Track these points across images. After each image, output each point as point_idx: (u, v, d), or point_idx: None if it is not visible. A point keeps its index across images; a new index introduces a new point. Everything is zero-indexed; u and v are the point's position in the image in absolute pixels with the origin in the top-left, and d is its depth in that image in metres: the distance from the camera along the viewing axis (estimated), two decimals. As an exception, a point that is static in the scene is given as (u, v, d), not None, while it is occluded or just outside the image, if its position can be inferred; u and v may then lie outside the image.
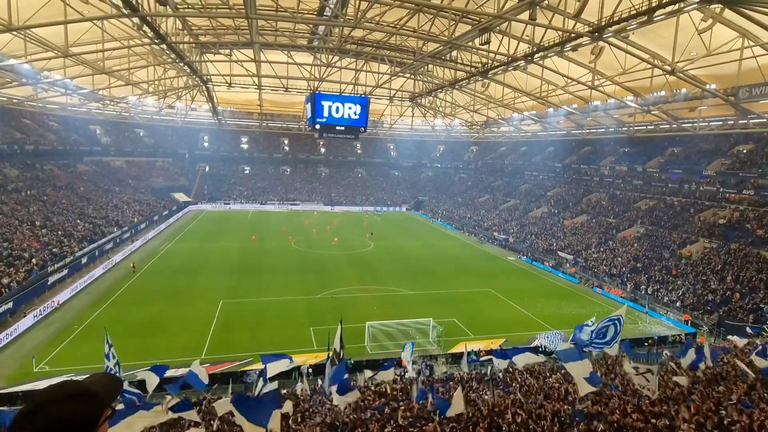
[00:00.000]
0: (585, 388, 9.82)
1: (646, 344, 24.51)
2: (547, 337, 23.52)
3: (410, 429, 8.96)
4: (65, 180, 50.94)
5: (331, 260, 41.13)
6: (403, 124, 76.16)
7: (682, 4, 21.02)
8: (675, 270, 34.49)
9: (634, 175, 52.09)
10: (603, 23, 23.79)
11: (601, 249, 42.36)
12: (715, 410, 8.49)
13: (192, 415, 8.46)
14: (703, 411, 8.49)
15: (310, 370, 19.00)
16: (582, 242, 45.15)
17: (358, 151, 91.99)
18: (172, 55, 37.19)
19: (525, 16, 25.32)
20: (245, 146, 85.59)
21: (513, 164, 77.74)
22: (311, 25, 39.69)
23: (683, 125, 42.39)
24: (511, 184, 72.92)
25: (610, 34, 25.31)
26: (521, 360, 14.47)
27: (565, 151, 66.55)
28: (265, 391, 11.45)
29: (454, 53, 39.92)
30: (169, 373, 14.58)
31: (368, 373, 16.31)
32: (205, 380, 12.01)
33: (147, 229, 49.85)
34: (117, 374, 11.83)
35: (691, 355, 12.56)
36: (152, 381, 11.38)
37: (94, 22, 28.64)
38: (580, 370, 10.11)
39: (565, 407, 9.82)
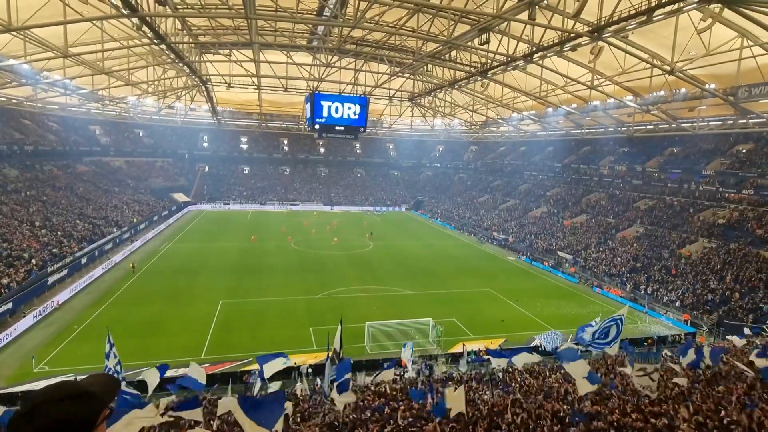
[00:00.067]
0: (584, 388, 9.83)
1: (645, 344, 24.52)
2: (546, 337, 23.52)
3: (410, 429, 8.96)
4: (65, 180, 50.91)
5: (331, 260, 41.13)
6: (402, 124, 76.17)
7: (681, 4, 21.03)
8: (674, 270, 34.51)
9: (634, 174, 52.11)
10: (602, 23, 23.80)
11: (601, 249, 42.39)
12: (715, 410, 8.49)
13: (197, 413, 8.44)
14: (703, 411, 8.50)
15: (310, 370, 19.00)
16: (581, 242, 45.17)
17: (358, 151, 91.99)
18: (172, 56, 37.16)
19: (524, 16, 25.33)
20: (245, 146, 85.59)
21: (512, 164, 77.75)
22: (310, 25, 39.70)
23: (682, 125, 42.42)
24: (510, 184, 72.94)
25: (609, 34, 25.33)
26: (519, 360, 14.49)
27: (565, 150, 66.58)
28: (269, 391, 11.44)
29: (453, 53, 39.93)
30: (169, 373, 14.59)
31: (368, 378, 16.32)
32: (203, 381, 12.00)
33: (146, 230, 49.83)
34: (118, 374, 11.85)
35: (691, 354, 12.57)
36: (153, 380, 11.39)
37: (94, 22, 28.63)
38: (578, 369, 10.13)
39: (565, 407, 9.82)
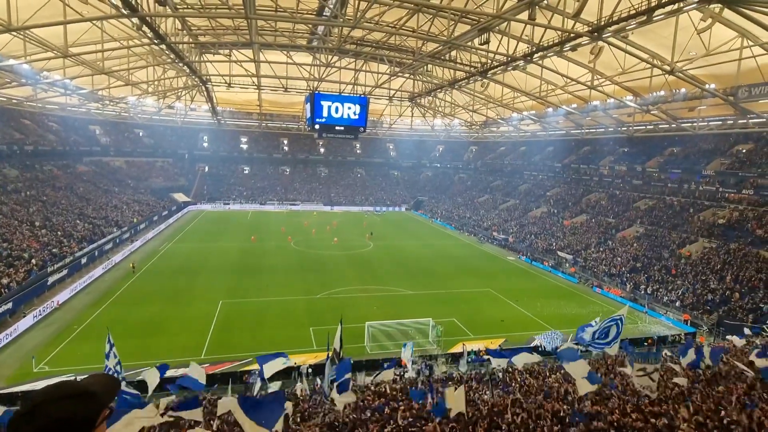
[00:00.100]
0: (584, 388, 9.83)
1: (645, 344, 24.53)
2: (545, 338, 23.54)
3: (410, 429, 8.96)
4: (65, 180, 50.91)
5: (331, 260, 41.13)
6: (402, 124, 76.16)
7: (681, 4, 21.03)
8: (674, 270, 34.51)
9: (634, 174, 52.11)
10: (602, 23, 23.80)
11: (601, 249, 42.39)
12: (715, 410, 8.49)
13: (197, 413, 8.44)
14: (703, 411, 8.50)
15: (310, 370, 19.00)
16: (581, 242, 45.18)
17: (358, 151, 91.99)
18: (172, 56, 37.16)
19: (524, 16, 25.33)
20: (245, 146, 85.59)
21: (512, 164, 77.75)
22: (310, 25, 39.70)
23: (682, 125, 42.42)
24: (510, 184, 72.94)
25: (609, 34, 25.33)
26: (519, 360, 14.51)
27: (565, 150, 66.58)
28: (270, 391, 11.44)
29: (453, 53, 39.93)
30: (169, 373, 14.59)
31: (369, 378, 16.31)
32: (203, 381, 12.01)
33: (146, 230, 49.83)
34: (118, 374, 11.85)
35: (691, 354, 12.57)
36: (153, 380, 11.38)
37: (94, 22, 28.63)
38: (578, 369, 10.14)
39: (565, 407, 9.82)
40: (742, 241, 34.59)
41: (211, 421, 10.37)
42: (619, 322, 12.63)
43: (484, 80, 42.50)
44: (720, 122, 40.61)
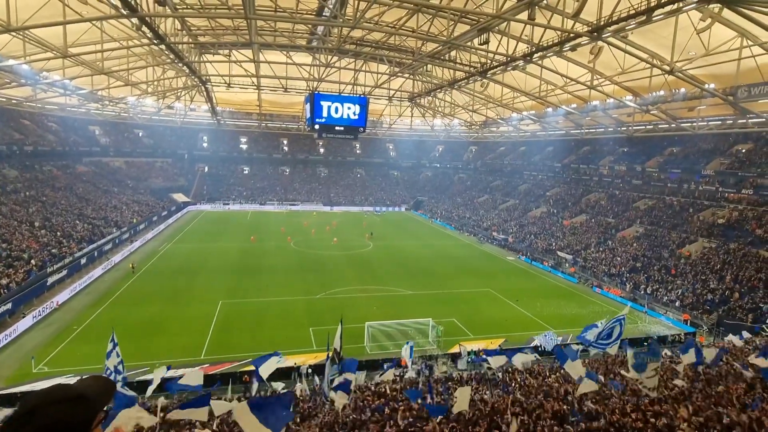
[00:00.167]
0: (583, 388, 9.84)
1: (645, 344, 24.51)
2: (542, 339, 23.64)
3: (410, 429, 8.96)
4: (64, 181, 50.88)
5: (331, 260, 41.12)
6: (402, 124, 76.15)
7: (680, 4, 21.02)
8: (674, 270, 34.52)
9: (633, 174, 52.13)
10: (602, 23, 23.79)
11: (601, 249, 42.39)
12: (715, 410, 8.49)
13: (202, 413, 8.44)
14: (703, 411, 8.50)
15: (310, 371, 18.98)
16: (581, 242, 45.18)
17: (358, 152, 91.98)
18: (171, 56, 37.13)
19: (524, 16, 25.31)
20: (244, 146, 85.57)
21: (512, 164, 77.76)
22: (310, 26, 39.67)
23: (682, 125, 42.42)
24: (510, 184, 72.94)
25: (608, 34, 25.32)
26: (516, 359, 14.53)
27: (564, 150, 66.59)
28: (269, 392, 11.47)
29: (453, 53, 39.91)
30: (169, 373, 14.59)
31: (370, 378, 16.31)
32: (200, 382, 12.12)
33: (146, 230, 49.81)
34: (120, 374, 11.89)
35: (692, 354, 12.58)
36: (156, 379, 11.50)
37: (93, 22, 28.60)
38: (577, 369, 10.16)
39: (565, 407, 9.81)
40: (741, 240, 34.60)
41: (211, 422, 10.35)
42: (622, 321, 12.73)
43: (484, 80, 42.48)
44: (719, 122, 40.63)
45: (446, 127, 78.51)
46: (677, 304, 30.30)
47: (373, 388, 14.37)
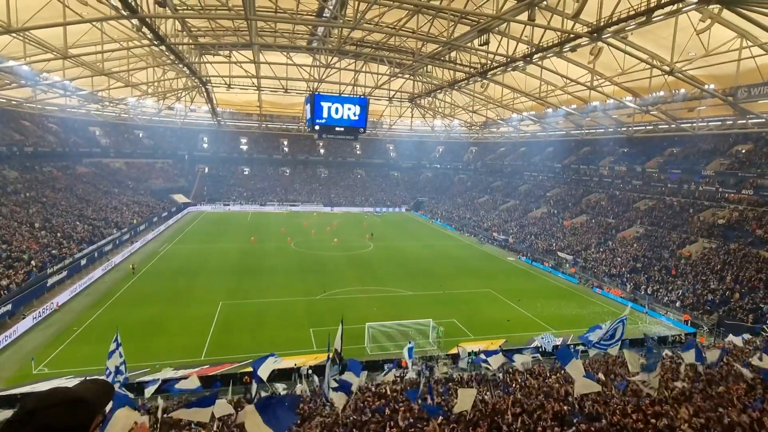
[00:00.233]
0: (583, 388, 9.82)
1: (644, 345, 24.49)
2: (541, 340, 23.67)
3: (410, 430, 8.95)
4: (64, 182, 50.90)
5: (331, 261, 41.12)
6: (402, 125, 76.22)
7: (680, 5, 21.05)
8: (674, 270, 34.50)
9: (634, 175, 52.13)
10: (602, 24, 23.82)
11: (601, 249, 42.38)
12: (715, 410, 8.48)
13: (205, 413, 8.44)
14: (704, 411, 8.49)
15: (310, 371, 18.97)
16: (581, 242, 45.17)
17: (358, 152, 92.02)
18: (171, 57, 37.19)
19: (524, 16, 25.36)
20: (245, 147, 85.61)
21: (512, 165, 77.77)
22: (310, 27, 39.73)
23: (682, 125, 42.44)
24: (510, 185, 72.95)
25: (608, 35, 25.34)
26: (517, 360, 14.53)
27: (565, 151, 66.60)
28: (270, 392, 11.51)
29: (453, 54, 39.95)
30: (169, 374, 14.60)
31: (378, 378, 16.31)
32: (198, 385, 12.21)
33: (146, 231, 49.83)
34: (121, 375, 11.92)
35: (692, 354, 12.57)
36: (157, 382, 11.61)
37: (93, 23, 28.64)
38: (577, 370, 10.15)
39: (565, 408, 9.81)
40: (741, 241, 34.59)
41: (211, 423, 10.34)
42: (624, 322, 12.80)
43: (484, 81, 42.56)
44: (719, 122, 40.65)
45: (446, 128, 78.55)
46: (678, 304, 30.29)
47: (373, 389, 14.36)
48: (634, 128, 48.42)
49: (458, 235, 59.02)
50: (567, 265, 40.98)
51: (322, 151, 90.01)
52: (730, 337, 21.40)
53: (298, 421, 10.86)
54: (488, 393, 12.68)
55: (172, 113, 67.93)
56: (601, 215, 49.99)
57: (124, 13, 24.03)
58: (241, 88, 55.05)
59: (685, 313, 28.85)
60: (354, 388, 10.83)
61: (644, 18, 22.16)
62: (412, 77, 53.09)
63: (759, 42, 24.80)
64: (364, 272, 37.86)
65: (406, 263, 41.66)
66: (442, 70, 46.11)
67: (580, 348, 15.40)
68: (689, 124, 41.96)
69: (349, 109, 38.95)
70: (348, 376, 10.64)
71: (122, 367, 11.98)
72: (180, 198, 69.28)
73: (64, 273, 31.26)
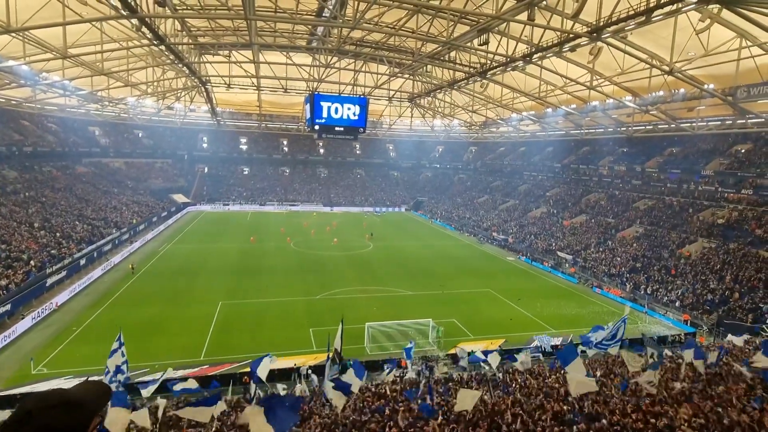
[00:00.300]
0: (583, 388, 9.82)
1: (644, 344, 24.50)
2: (540, 340, 23.70)
3: (410, 430, 8.95)
4: (64, 181, 50.86)
5: (331, 261, 41.11)
6: (402, 125, 76.19)
7: (680, 5, 21.06)
8: (674, 270, 34.52)
9: (633, 175, 52.15)
10: (601, 23, 23.83)
11: (601, 249, 42.40)
12: (715, 410, 8.48)
13: (206, 414, 8.45)
14: (703, 411, 8.49)
15: (310, 371, 18.97)
16: (581, 242, 45.18)
17: (358, 152, 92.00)
18: (171, 57, 37.16)
19: (523, 16, 25.34)
20: (244, 147, 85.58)
21: (512, 164, 77.79)
22: (310, 26, 39.71)
23: (682, 125, 42.45)
24: (510, 185, 72.96)
25: (608, 35, 25.35)
26: (517, 359, 14.54)
27: (564, 151, 66.62)
28: (269, 392, 11.54)
29: (452, 54, 39.94)
30: (168, 375, 14.60)
31: (381, 377, 16.32)
32: (196, 385, 12.25)
33: (146, 231, 49.78)
34: (123, 374, 11.94)
35: (692, 354, 12.58)
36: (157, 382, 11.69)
37: (93, 23, 28.61)
38: (578, 369, 10.15)
39: (565, 407, 9.81)
40: (741, 241, 34.61)
41: (210, 422, 10.34)
42: (625, 322, 12.84)
43: (484, 81, 42.54)
44: (719, 122, 40.65)
45: (446, 128, 78.53)
46: (677, 304, 30.30)
47: (373, 389, 14.36)
48: (634, 128, 48.43)
49: (458, 235, 59.03)
50: (566, 265, 40.99)
51: (321, 150, 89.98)
52: (730, 337, 21.43)
53: (298, 422, 10.86)
54: (488, 393, 12.68)
55: (171, 113, 67.87)
56: (600, 215, 50.01)
57: (124, 13, 24.00)
58: (241, 87, 55.01)
59: (685, 313, 28.87)
60: (354, 389, 10.83)
61: (644, 18, 22.17)
62: (411, 77, 53.07)
63: (758, 42, 24.80)
64: (364, 272, 37.85)
65: (405, 263, 41.66)
66: (442, 70, 46.10)
67: (580, 348, 15.41)
68: (689, 124, 41.97)
69: (349, 108, 38.92)
70: (349, 377, 10.64)
71: (124, 367, 12.01)
72: (179, 198, 69.24)
73: (64, 273, 31.23)
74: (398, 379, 16.30)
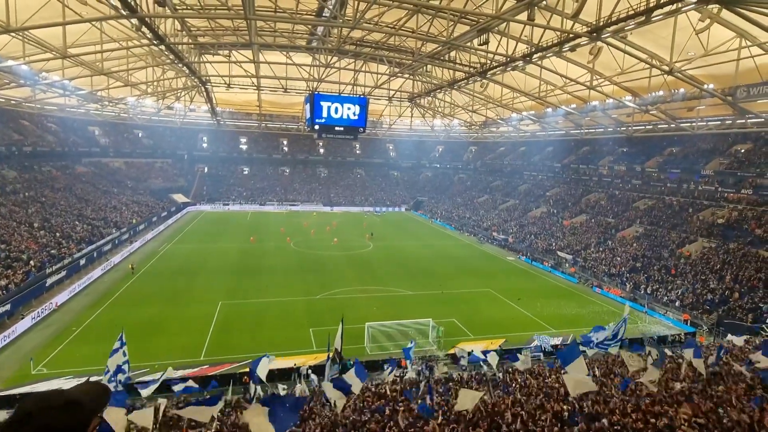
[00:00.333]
0: (583, 388, 9.83)
1: (644, 344, 24.51)
2: (539, 340, 23.71)
3: (410, 430, 8.95)
4: (63, 181, 50.84)
5: (331, 261, 41.11)
6: (402, 125, 76.17)
7: (679, 5, 21.07)
8: (674, 269, 34.53)
9: (633, 174, 52.16)
10: (601, 23, 23.83)
11: (601, 249, 42.40)
12: (715, 410, 8.49)
13: (206, 414, 8.45)
14: (703, 411, 8.49)
15: (310, 371, 18.97)
16: (581, 242, 45.19)
17: (357, 152, 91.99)
18: (171, 56, 37.15)
19: (523, 16, 25.34)
20: (244, 147, 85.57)
21: (512, 164, 77.80)
22: (310, 26, 39.70)
23: (681, 125, 42.45)
24: (510, 184, 72.97)
25: (608, 35, 25.34)
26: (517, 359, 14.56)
27: (564, 151, 66.63)
28: (270, 392, 11.58)
29: (452, 53, 39.94)
30: (168, 374, 14.59)
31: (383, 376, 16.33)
32: (195, 386, 12.29)
33: (146, 231, 49.77)
34: (123, 374, 11.96)
35: (692, 354, 12.58)
36: (158, 381, 11.74)
37: (93, 23, 28.59)
38: (578, 369, 10.16)
39: (565, 407, 9.81)
40: (741, 240, 34.62)
41: (210, 422, 10.34)
42: (625, 321, 12.87)
43: (484, 81, 42.53)
44: (719, 122, 40.65)
45: (446, 128, 78.52)
46: (677, 304, 30.31)
47: (373, 389, 14.36)
48: (634, 128, 48.43)
49: (458, 235, 59.03)
50: (567, 265, 40.99)
51: (321, 150, 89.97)
52: (730, 337, 21.44)
53: (298, 422, 10.87)
54: (488, 393, 12.68)
55: (171, 113, 67.84)
56: (600, 215, 50.02)
57: (124, 13, 23.99)
58: (241, 87, 54.99)
59: (685, 313, 28.88)
60: (355, 390, 10.83)
61: (643, 18, 22.17)
62: (411, 77, 53.06)
63: (758, 42, 24.80)
64: (364, 272, 37.85)
65: (405, 263, 41.66)
66: (442, 70, 46.09)
67: (580, 348, 15.44)
68: (688, 124, 41.98)
69: (349, 108, 38.91)
70: (350, 377, 10.64)
71: (125, 366, 12.03)
72: (179, 198, 69.22)
73: (63, 273, 31.22)
74: (398, 379, 16.29)
